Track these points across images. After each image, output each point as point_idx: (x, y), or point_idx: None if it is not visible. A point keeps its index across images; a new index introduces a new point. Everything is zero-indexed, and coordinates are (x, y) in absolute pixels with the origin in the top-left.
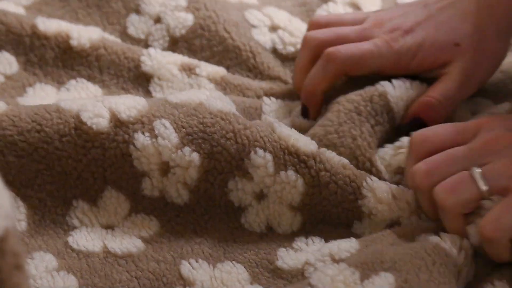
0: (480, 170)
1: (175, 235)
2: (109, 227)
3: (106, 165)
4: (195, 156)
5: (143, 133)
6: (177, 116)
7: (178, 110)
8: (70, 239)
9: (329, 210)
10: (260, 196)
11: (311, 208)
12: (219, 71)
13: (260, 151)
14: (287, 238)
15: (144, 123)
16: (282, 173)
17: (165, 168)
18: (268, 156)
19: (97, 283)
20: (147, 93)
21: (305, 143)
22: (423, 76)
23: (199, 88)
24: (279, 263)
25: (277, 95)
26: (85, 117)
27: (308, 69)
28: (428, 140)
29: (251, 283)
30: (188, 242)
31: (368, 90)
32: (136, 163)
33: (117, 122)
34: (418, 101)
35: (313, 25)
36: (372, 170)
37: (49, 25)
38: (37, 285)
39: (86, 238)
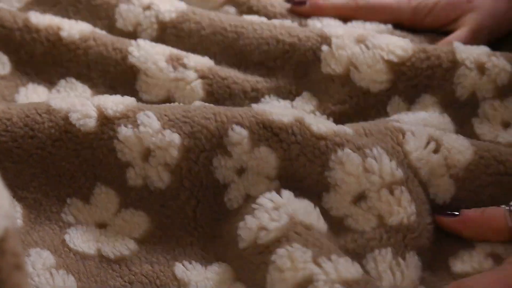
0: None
1: (166, 231)
2: (102, 226)
3: (95, 163)
4: (175, 137)
5: (126, 125)
6: (162, 108)
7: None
8: (67, 237)
9: (301, 181)
10: (241, 171)
11: (286, 179)
12: (206, 63)
13: (237, 128)
14: None
15: (129, 116)
16: (256, 149)
17: (146, 153)
18: (244, 133)
19: None
20: (134, 92)
21: (280, 115)
22: (439, 31)
23: (186, 84)
24: None
25: (263, 91)
26: (74, 119)
27: (346, 13)
28: None
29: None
30: (180, 243)
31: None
32: (119, 155)
33: (104, 120)
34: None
35: None
36: None
37: (42, 19)
38: (35, 283)
39: (82, 239)
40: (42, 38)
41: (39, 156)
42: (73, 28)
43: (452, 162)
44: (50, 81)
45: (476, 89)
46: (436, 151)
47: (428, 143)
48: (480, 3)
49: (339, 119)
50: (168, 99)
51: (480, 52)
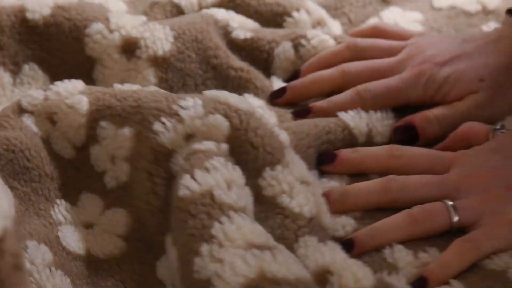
0: (452, 203)
1: (143, 224)
2: (89, 226)
3: (80, 177)
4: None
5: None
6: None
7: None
8: (60, 234)
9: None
10: (189, 137)
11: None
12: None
13: (189, 98)
14: None
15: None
16: (211, 116)
17: (112, 158)
18: (199, 102)
19: None
20: (92, 82)
21: (237, 101)
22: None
23: (137, 74)
24: None
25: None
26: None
27: (324, 90)
28: (402, 157)
29: None
30: (157, 241)
31: None
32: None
33: None
34: (419, 112)
35: (350, 48)
36: None
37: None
38: (36, 280)
39: (72, 238)
40: (8, 12)
41: (35, 152)
42: (37, 12)
43: None
44: (14, 62)
45: None
46: None
47: None
48: (493, 82)
49: None
50: None
51: None
